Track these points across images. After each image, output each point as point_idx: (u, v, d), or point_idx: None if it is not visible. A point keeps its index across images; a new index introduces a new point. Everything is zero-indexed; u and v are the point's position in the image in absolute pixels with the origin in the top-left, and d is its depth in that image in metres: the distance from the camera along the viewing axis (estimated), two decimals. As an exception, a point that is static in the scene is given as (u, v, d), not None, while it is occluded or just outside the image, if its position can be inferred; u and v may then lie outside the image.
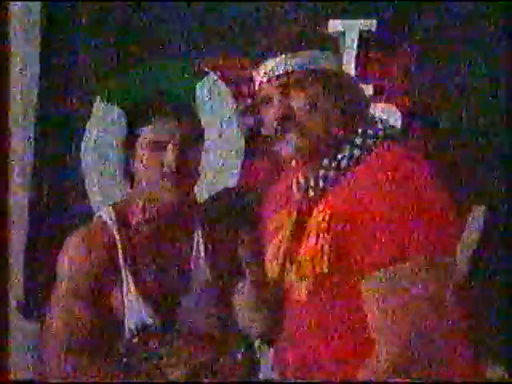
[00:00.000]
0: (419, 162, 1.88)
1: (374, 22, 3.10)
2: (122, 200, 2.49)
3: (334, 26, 3.11)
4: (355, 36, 3.11)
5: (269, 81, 1.96)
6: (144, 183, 2.35)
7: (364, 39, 3.11)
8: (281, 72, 1.93)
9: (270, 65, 1.94)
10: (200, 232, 2.42)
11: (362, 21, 3.11)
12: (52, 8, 3.39)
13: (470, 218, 2.94)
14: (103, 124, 3.35)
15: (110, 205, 2.47)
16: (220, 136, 3.24)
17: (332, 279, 1.85)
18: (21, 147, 3.43)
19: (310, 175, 1.97)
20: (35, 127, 3.40)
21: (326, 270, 1.85)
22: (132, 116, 2.46)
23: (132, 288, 2.34)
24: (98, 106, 3.34)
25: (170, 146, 2.30)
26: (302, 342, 1.93)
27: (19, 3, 3.43)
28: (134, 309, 2.33)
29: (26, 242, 3.39)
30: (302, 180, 2.01)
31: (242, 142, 3.22)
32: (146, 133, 2.34)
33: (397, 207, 1.78)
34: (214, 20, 3.23)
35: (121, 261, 2.36)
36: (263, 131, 2.03)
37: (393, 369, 1.76)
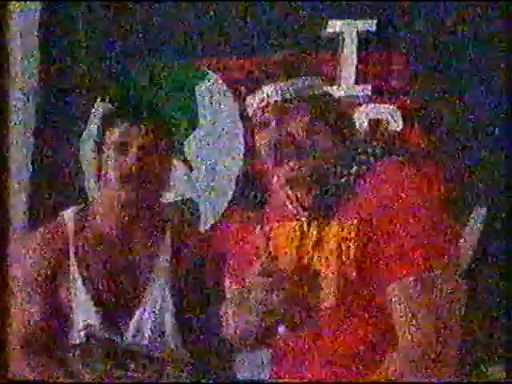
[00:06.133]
0: (418, 174, 1.94)
1: (374, 22, 3.10)
2: (87, 202, 2.52)
3: (334, 26, 3.12)
4: (354, 36, 3.11)
5: (265, 106, 1.96)
6: (108, 185, 2.36)
7: (363, 39, 3.11)
8: (279, 98, 1.95)
9: (267, 91, 1.95)
10: (167, 241, 2.41)
11: (361, 21, 3.11)
12: (52, 8, 3.40)
13: (471, 219, 2.95)
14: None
15: (77, 206, 2.49)
16: (220, 136, 3.25)
17: (358, 287, 1.90)
18: (20, 147, 3.43)
19: (308, 197, 1.98)
20: (35, 127, 3.40)
21: (352, 278, 1.89)
22: (103, 119, 2.47)
23: (81, 290, 2.35)
24: (98, 106, 3.35)
25: (132, 149, 2.32)
26: (326, 345, 1.95)
27: (19, 3, 3.43)
28: (81, 310, 2.34)
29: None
30: (301, 200, 2.01)
31: (242, 142, 3.22)
32: (112, 135, 2.36)
33: (404, 222, 1.86)
34: (214, 20, 3.24)
35: (72, 262, 2.38)
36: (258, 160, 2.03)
37: (414, 365, 1.84)
